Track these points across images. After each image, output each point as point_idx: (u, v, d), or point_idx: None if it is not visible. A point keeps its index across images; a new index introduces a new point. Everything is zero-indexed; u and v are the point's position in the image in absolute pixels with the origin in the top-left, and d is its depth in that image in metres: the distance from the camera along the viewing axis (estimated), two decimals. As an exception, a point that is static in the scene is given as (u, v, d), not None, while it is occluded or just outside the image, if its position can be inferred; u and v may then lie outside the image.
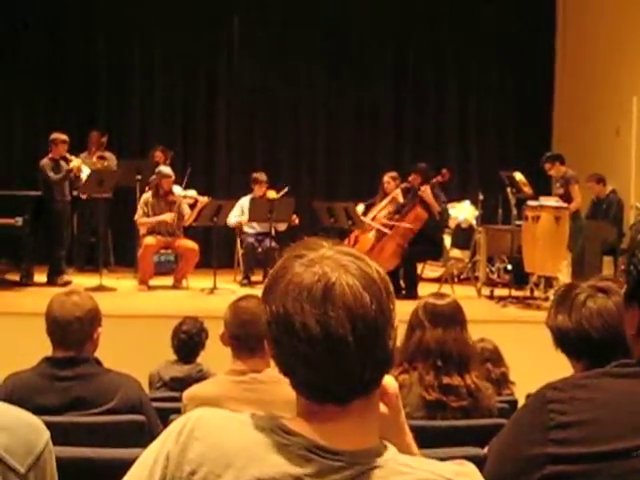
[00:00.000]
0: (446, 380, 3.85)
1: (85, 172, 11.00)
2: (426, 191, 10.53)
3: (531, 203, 10.12)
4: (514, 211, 10.80)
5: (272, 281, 1.49)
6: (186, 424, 1.49)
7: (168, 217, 10.80)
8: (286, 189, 11.91)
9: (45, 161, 10.69)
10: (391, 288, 1.50)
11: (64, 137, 10.78)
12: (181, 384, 5.14)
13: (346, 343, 1.41)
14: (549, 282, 10.62)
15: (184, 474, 1.44)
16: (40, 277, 10.71)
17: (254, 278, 11.22)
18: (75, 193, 11.20)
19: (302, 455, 1.42)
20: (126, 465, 1.53)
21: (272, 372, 3.66)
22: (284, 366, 1.49)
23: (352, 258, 1.48)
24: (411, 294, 9.93)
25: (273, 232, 11.25)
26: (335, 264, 1.45)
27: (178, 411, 3.88)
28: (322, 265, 1.45)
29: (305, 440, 1.44)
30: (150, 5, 13.64)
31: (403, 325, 4.10)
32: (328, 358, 1.42)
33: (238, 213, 11.39)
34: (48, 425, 2.04)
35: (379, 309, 1.44)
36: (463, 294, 10.30)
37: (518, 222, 10.54)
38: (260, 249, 11.32)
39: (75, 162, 10.92)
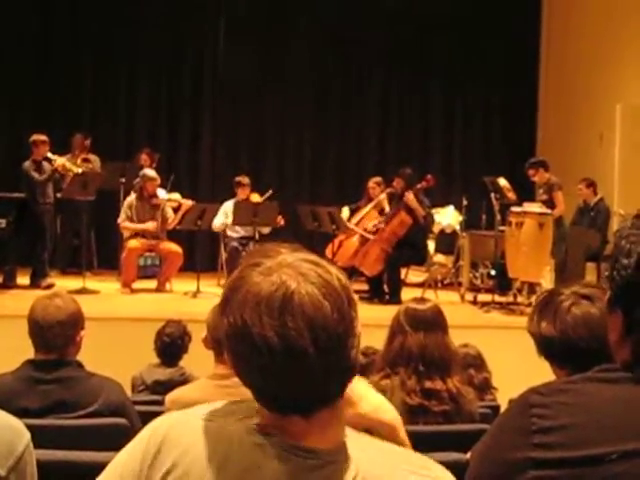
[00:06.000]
0: (428, 384, 3.85)
1: (74, 170, 11.00)
2: (410, 197, 10.53)
3: (515, 209, 10.15)
4: (498, 217, 10.82)
5: (229, 292, 1.46)
6: (161, 426, 1.49)
7: (151, 226, 10.78)
8: (270, 191, 11.91)
9: (27, 163, 10.66)
10: (353, 295, 1.47)
11: (43, 137, 10.74)
12: (164, 387, 5.13)
13: (307, 354, 1.37)
14: (532, 288, 10.63)
15: (159, 475, 1.43)
16: (23, 279, 10.67)
17: (238, 282, 11.17)
18: (59, 195, 11.17)
19: (279, 454, 1.41)
20: (107, 468, 1.52)
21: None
22: (245, 379, 1.45)
23: (312, 265, 1.44)
24: (395, 299, 9.92)
25: (257, 236, 11.24)
26: (294, 272, 1.42)
27: (161, 414, 3.86)
28: (280, 273, 1.41)
29: (280, 440, 1.43)
30: (135, 6, 13.62)
31: (385, 330, 4.11)
32: (289, 370, 1.38)
33: (222, 217, 11.38)
34: (30, 428, 2.04)
35: (340, 318, 1.41)
36: (446, 299, 10.34)
37: (502, 228, 10.56)
38: (244, 253, 11.30)
39: (59, 161, 10.89)
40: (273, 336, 1.37)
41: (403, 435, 1.88)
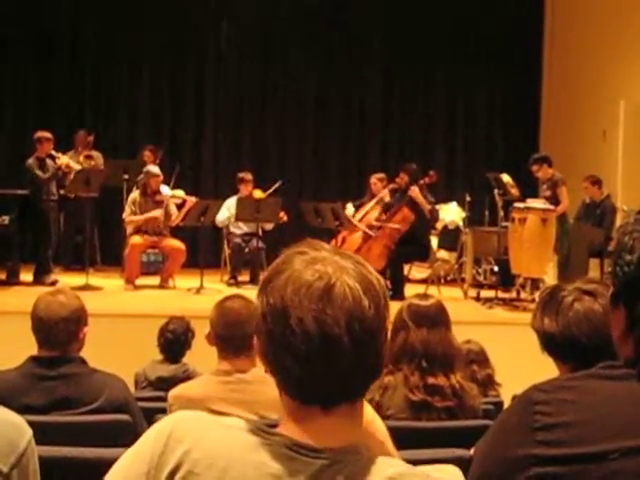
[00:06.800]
0: (431, 380, 3.85)
1: (76, 169, 11.00)
2: (415, 191, 10.54)
3: (518, 205, 10.13)
4: (501, 213, 10.81)
5: (272, 274, 1.48)
6: (166, 426, 1.49)
7: (157, 213, 10.80)
8: (278, 183, 11.89)
9: (31, 160, 10.66)
10: (388, 297, 1.50)
11: (48, 135, 10.76)
12: (167, 384, 5.13)
13: (341, 343, 1.40)
14: (535, 284, 10.64)
15: (165, 474, 1.43)
16: (26, 276, 10.69)
17: (241, 278, 11.23)
18: (62, 192, 11.18)
19: (283, 453, 1.41)
20: (111, 465, 1.52)
21: (258, 372, 3.66)
22: (274, 362, 1.46)
23: (354, 262, 1.48)
24: (398, 295, 9.90)
25: (260, 232, 11.25)
26: (337, 265, 1.45)
27: (164, 411, 3.87)
28: (324, 264, 1.45)
29: (286, 439, 1.43)
30: (138, 5, 13.61)
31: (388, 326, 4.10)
32: (321, 356, 1.40)
33: (226, 213, 11.38)
34: (33, 425, 2.04)
35: (376, 315, 1.44)
36: (449, 295, 10.34)
37: (505, 224, 10.55)
38: (247, 249, 11.32)
39: (63, 159, 10.92)
40: (310, 320, 1.40)
41: (392, 449, 1.87)
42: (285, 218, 11.26)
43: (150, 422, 3.71)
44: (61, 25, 13.65)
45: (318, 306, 1.40)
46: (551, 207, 10.11)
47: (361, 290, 1.43)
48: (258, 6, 14.03)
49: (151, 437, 1.49)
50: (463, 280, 11.60)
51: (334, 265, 1.45)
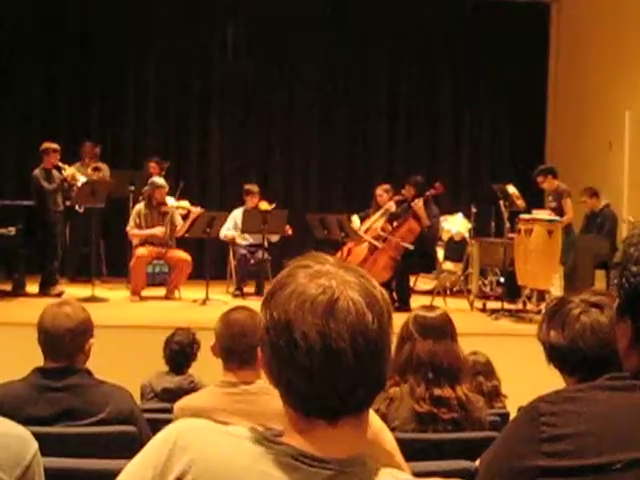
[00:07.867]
0: (437, 392, 3.84)
1: (82, 180, 10.99)
2: (418, 205, 10.54)
3: (524, 216, 10.13)
4: (507, 224, 10.81)
5: (276, 287, 1.48)
6: (171, 434, 1.49)
7: (159, 231, 10.80)
8: (274, 205, 11.86)
9: (37, 171, 10.67)
10: (392, 312, 1.50)
11: (55, 146, 10.76)
12: (172, 395, 5.13)
13: (344, 357, 1.40)
14: (541, 295, 10.62)
15: None
16: (32, 287, 10.68)
17: (246, 290, 11.22)
18: (68, 203, 11.19)
19: (288, 463, 1.41)
20: (116, 476, 1.52)
21: (263, 383, 3.65)
22: (278, 375, 1.46)
23: (358, 276, 1.47)
24: (404, 306, 9.92)
25: (266, 244, 11.25)
26: (341, 279, 1.45)
27: (169, 422, 3.85)
28: (328, 278, 1.45)
29: (291, 448, 1.43)
30: (144, 16, 13.63)
31: (394, 338, 4.09)
32: (324, 370, 1.40)
33: (231, 226, 11.37)
34: (38, 436, 2.04)
35: (380, 329, 1.44)
36: (455, 307, 10.34)
37: (511, 235, 10.54)
38: (253, 261, 11.31)
39: (69, 170, 10.92)
40: (314, 334, 1.40)
41: (402, 460, 1.87)
42: (290, 232, 11.23)
43: (156, 433, 3.70)
44: (67, 36, 13.66)
45: (322, 320, 1.40)
46: (557, 218, 10.11)
47: (365, 304, 1.43)
48: (262, 19, 14.03)
49: (156, 445, 1.50)
50: (469, 291, 11.57)
51: (338, 279, 1.45)
